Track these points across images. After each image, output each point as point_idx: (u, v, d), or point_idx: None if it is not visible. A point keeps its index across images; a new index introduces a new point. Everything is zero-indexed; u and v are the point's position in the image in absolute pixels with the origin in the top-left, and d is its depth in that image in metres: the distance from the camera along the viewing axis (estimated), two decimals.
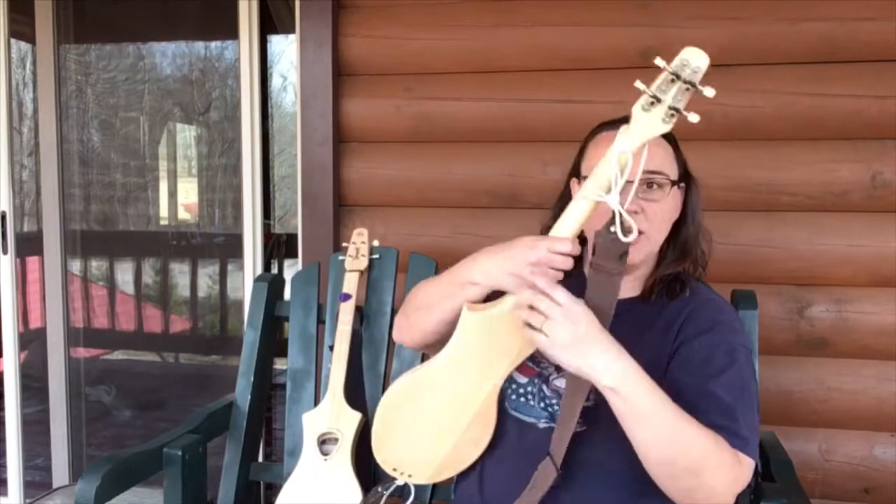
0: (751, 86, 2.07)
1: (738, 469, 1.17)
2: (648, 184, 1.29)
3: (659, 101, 1.09)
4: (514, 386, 1.35)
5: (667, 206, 1.32)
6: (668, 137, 1.31)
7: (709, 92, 1.06)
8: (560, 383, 1.32)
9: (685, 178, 1.38)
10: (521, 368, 1.32)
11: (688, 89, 1.08)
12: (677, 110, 1.08)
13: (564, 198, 1.41)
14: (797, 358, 2.11)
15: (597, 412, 1.25)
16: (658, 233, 1.33)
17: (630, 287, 1.37)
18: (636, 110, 1.10)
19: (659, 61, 1.09)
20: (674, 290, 1.35)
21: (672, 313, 1.33)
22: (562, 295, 1.10)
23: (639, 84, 1.10)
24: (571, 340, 1.10)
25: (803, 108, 2.06)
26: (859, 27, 2.01)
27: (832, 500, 2.09)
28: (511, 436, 1.33)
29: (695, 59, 1.08)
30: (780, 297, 2.09)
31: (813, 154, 2.06)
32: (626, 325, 1.23)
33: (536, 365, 1.35)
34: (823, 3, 2.02)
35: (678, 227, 1.37)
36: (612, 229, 1.12)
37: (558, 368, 1.31)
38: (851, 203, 2.04)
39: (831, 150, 2.05)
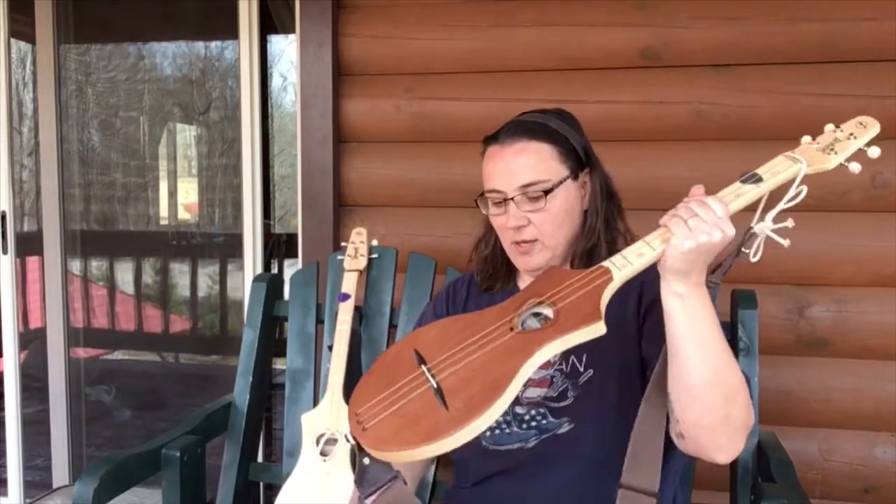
0: (751, 86, 2.07)
1: (751, 406, 1.15)
2: (528, 196, 1.30)
3: (833, 148, 1.18)
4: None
5: (554, 208, 1.31)
6: (546, 134, 1.33)
7: (874, 152, 1.16)
8: (530, 393, 1.31)
9: (582, 165, 1.36)
10: None
11: (851, 139, 1.19)
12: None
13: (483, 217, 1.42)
14: (797, 358, 2.10)
15: (580, 409, 1.27)
16: (552, 237, 1.33)
17: None
18: (806, 145, 1.21)
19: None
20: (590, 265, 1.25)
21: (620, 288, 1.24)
22: (709, 198, 1.07)
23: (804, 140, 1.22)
24: (719, 241, 1.04)
25: (803, 108, 2.05)
26: (859, 27, 2.01)
27: (832, 500, 2.09)
28: (502, 469, 1.31)
29: (870, 124, 1.22)
30: (780, 297, 2.09)
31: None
32: None
33: None
34: (823, 3, 2.02)
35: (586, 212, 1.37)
36: (745, 250, 1.12)
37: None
38: (851, 203, 2.04)
39: None
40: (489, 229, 1.45)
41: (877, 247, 2.04)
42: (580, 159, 1.35)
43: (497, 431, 1.32)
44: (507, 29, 2.20)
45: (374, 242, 1.96)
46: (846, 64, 2.03)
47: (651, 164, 2.12)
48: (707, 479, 1.66)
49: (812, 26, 2.03)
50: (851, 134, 1.16)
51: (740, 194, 1.10)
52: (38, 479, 3.06)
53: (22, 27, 3.00)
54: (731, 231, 1.04)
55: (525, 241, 1.32)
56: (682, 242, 1.03)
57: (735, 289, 1.79)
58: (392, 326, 1.95)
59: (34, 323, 3.29)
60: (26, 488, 2.94)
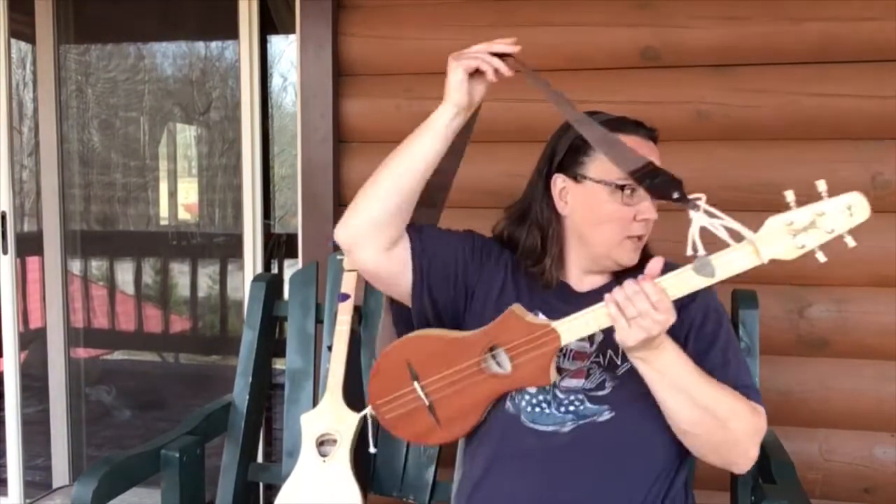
0: (751, 86, 2.07)
1: (756, 417, 1.26)
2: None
3: (803, 239, 1.09)
4: (526, 398, 1.33)
5: None
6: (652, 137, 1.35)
7: (850, 241, 1.08)
8: (567, 383, 1.32)
9: None
10: None
11: (829, 234, 1.08)
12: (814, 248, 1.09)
13: (546, 195, 1.38)
14: (797, 358, 2.10)
15: (621, 397, 1.30)
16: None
17: (602, 276, 1.39)
18: (775, 224, 1.10)
19: (821, 186, 1.08)
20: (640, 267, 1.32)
21: None
22: (652, 290, 1.13)
23: (790, 198, 1.09)
24: (658, 333, 1.14)
25: (803, 108, 2.05)
26: (859, 27, 2.01)
27: (832, 500, 2.09)
28: (535, 448, 1.32)
29: (860, 214, 1.09)
30: (780, 297, 2.09)
31: (813, 154, 2.06)
32: None
33: None
34: (823, 3, 2.02)
35: None
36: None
37: (559, 370, 1.31)
38: None
39: (831, 150, 2.05)
40: (544, 223, 1.38)
41: (877, 247, 2.03)
42: None
43: (537, 410, 1.33)
44: (507, 29, 2.19)
45: None
46: (846, 64, 2.03)
47: None
48: (707, 480, 1.66)
49: (812, 26, 2.03)
50: (831, 228, 1.08)
51: (691, 286, 1.14)
52: (38, 479, 3.06)
53: (22, 27, 3.00)
54: (671, 321, 1.14)
55: (643, 236, 1.33)
56: (624, 339, 1.15)
57: (735, 289, 1.79)
58: None
59: (34, 323, 3.29)
60: (26, 488, 2.94)
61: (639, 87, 2.12)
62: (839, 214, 1.08)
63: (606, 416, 1.29)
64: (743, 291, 1.77)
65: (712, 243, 1.12)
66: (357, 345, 1.87)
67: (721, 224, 1.10)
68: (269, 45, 4.04)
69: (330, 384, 1.77)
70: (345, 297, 1.85)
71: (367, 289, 1.95)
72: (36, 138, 3.17)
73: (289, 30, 3.03)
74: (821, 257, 1.09)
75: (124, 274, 3.58)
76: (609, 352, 1.33)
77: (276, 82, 4.79)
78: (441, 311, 1.39)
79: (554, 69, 2.18)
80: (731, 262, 1.12)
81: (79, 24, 3.10)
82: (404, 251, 1.36)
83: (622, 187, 1.28)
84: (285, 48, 4.44)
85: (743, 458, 1.27)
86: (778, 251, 1.09)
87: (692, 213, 1.12)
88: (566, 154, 1.36)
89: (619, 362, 1.32)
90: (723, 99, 2.09)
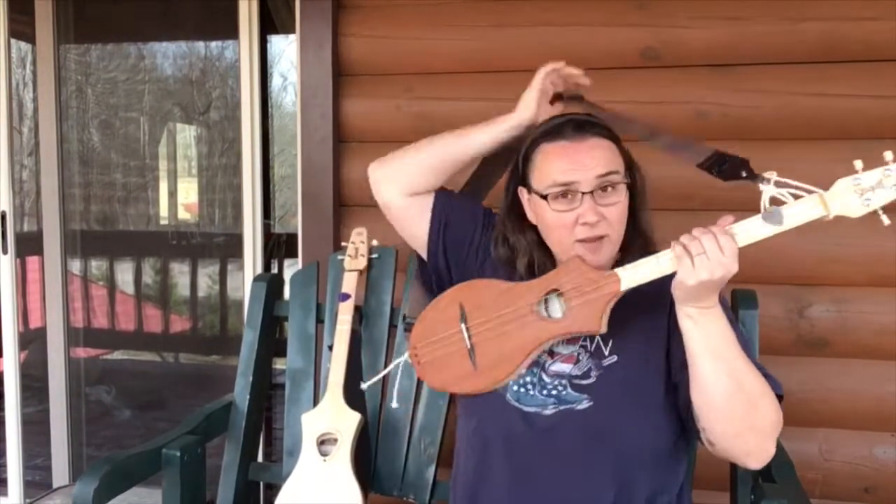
0: (751, 86, 2.07)
1: (778, 410, 1.26)
2: (604, 187, 1.30)
3: (868, 196, 1.14)
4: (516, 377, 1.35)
5: (623, 204, 1.33)
6: (608, 132, 1.36)
7: (885, 219, 1.14)
8: (557, 367, 1.34)
9: (629, 167, 1.38)
10: None
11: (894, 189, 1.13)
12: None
13: (513, 209, 1.42)
14: (797, 358, 2.10)
15: (601, 389, 1.31)
16: (619, 232, 1.34)
17: None
18: (843, 183, 1.15)
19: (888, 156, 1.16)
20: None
21: (654, 289, 1.33)
22: (720, 231, 1.16)
23: (858, 165, 1.15)
24: (720, 278, 1.15)
25: (803, 108, 2.06)
26: (859, 27, 2.01)
27: (832, 500, 2.09)
28: (517, 427, 1.35)
29: None
30: (780, 297, 2.09)
31: (813, 154, 2.06)
32: (615, 314, 1.29)
33: None
34: (823, 3, 2.02)
35: (632, 215, 1.37)
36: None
37: (552, 353, 1.35)
38: None
39: (831, 150, 2.05)
40: (519, 233, 1.42)
41: (877, 247, 2.04)
42: (627, 164, 1.37)
43: (522, 390, 1.36)
44: (507, 29, 2.20)
45: (375, 242, 1.96)
46: (846, 64, 2.03)
47: (651, 164, 2.10)
48: (707, 479, 1.66)
49: (812, 26, 2.03)
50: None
51: (758, 234, 1.17)
52: (38, 479, 3.06)
53: (22, 27, 3.00)
54: (733, 269, 1.15)
55: (595, 238, 1.31)
56: (685, 278, 1.15)
57: (735, 289, 1.79)
58: (392, 326, 1.95)
59: (34, 323, 3.29)
60: (26, 488, 2.94)
61: (639, 87, 2.12)
62: None
63: (585, 404, 1.31)
64: (743, 291, 1.77)
65: None
66: (357, 345, 1.87)
67: (790, 192, 1.15)
68: (269, 45, 4.04)
69: (330, 384, 1.77)
70: (345, 296, 1.85)
71: (367, 289, 1.96)
72: (36, 138, 3.17)
73: (289, 30, 3.04)
74: (885, 220, 1.13)
75: (124, 274, 3.58)
76: (598, 339, 1.34)
77: (276, 82, 4.79)
78: (454, 276, 1.48)
79: None
80: (799, 213, 1.15)
81: (79, 24, 3.10)
82: (426, 201, 1.51)
83: (545, 196, 1.32)
84: (285, 48, 4.45)
85: (761, 448, 1.26)
86: (846, 207, 1.14)
87: (762, 186, 1.17)
88: (522, 167, 1.40)
89: (605, 353, 1.33)
90: (723, 99, 2.09)
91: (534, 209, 1.38)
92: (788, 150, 2.07)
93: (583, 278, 1.23)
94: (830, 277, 2.07)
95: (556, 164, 1.31)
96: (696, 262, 1.14)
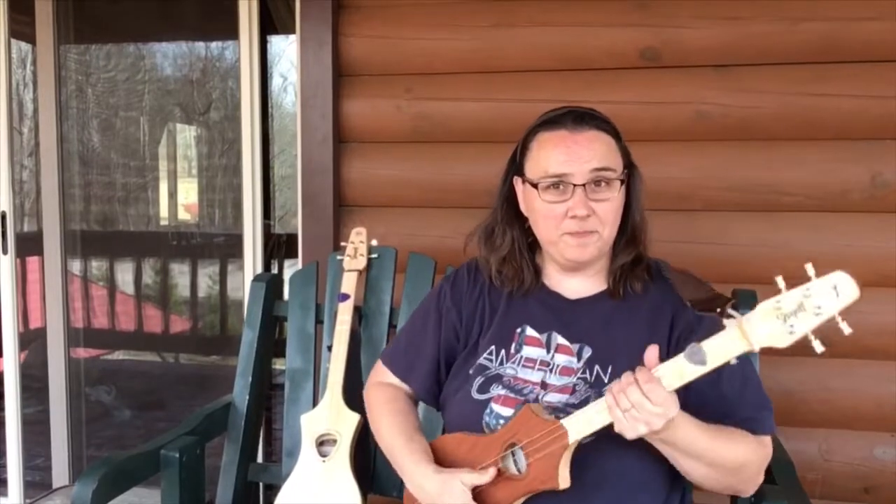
0: (751, 86, 2.07)
1: (763, 450, 1.29)
2: (597, 182, 1.29)
3: (792, 322, 1.03)
4: (502, 421, 1.32)
5: (616, 202, 1.32)
6: (609, 127, 1.34)
7: (845, 328, 1.01)
8: (551, 398, 1.32)
9: (628, 166, 1.37)
10: (503, 401, 1.33)
11: (818, 315, 1.02)
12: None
13: (510, 198, 1.41)
14: (797, 358, 2.09)
15: None
16: (610, 230, 1.33)
17: (595, 282, 1.39)
18: (765, 307, 1.05)
19: (810, 270, 1.04)
20: (640, 276, 1.37)
21: (654, 303, 1.36)
22: (644, 378, 1.12)
23: (780, 283, 1.05)
24: (662, 426, 1.14)
25: (803, 108, 2.05)
26: (859, 27, 2.01)
27: (832, 500, 2.09)
28: None
29: (847, 294, 1.02)
30: None
31: (813, 154, 2.06)
32: (603, 318, 1.32)
33: (518, 393, 1.34)
34: (823, 3, 2.02)
35: (624, 214, 1.36)
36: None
37: (544, 385, 1.33)
38: (851, 203, 2.04)
39: (831, 150, 2.05)
40: (506, 224, 1.41)
41: (877, 247, 2.04)
42: (625, 162, 1.35)
43: None
44: (507, 29, 2.20)
45: (374, 242, 1.96)
46: (846, 64, 2.03)
47: (651, 164, 2.08)
48: None
49: (812, 26, 2.03)
50: (818, 308, 1.02)
51: (682, 375, 1.12)
52: (38, 479, 3.06)
53: (22, 27, 3.00)
54: (671, 413, 1.12)
55: (584, 232, 1.30)
56: (624, 432, 1.14)
57: (735, 289, 1.79)
58: (392, 326, 1.95)
59: (34, 323, 3.28)
60: (26, 488, 2.94)
61: (639, 87, 2.12)
62: (825, 294, 1.02)
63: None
64: (743, 291, 1.77)
65: None
66: (357, 345, 1.87)
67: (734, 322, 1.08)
68: (269, 45, 4.03)
69: (330, 384, 1.77)
70: (345, 297, 1.85)
71: (367, 289, 1.96)
72: (36, 138, 3.17)
73: (289, 30, 3.03)
74: (817, 346, 1.02)
75: (124, 274, 3.58)
76: (597, 367, 1.32)
77: (276, 82, 4.77)
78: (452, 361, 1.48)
79: (554, 69, 2.19)
80: (720, 348, 1.09)
81: (79, 24, 3.10)
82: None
83: (535, 185, 1.31)
84: (285, 48, 4.44)
85: (750, 485, 1.31)
86: (770, 336, 1.05)
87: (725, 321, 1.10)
88: (520, 155, 1.38)
89: (605, 380, 1.30)
90: (723, 99, 2.09)
91: (525, 198, 1.37)
92: (788, 150, 2.07)
93: (535, 431, 1.22)
94: None
95: (551, 154, 1.30)
96: (627, 417, 1.12)
